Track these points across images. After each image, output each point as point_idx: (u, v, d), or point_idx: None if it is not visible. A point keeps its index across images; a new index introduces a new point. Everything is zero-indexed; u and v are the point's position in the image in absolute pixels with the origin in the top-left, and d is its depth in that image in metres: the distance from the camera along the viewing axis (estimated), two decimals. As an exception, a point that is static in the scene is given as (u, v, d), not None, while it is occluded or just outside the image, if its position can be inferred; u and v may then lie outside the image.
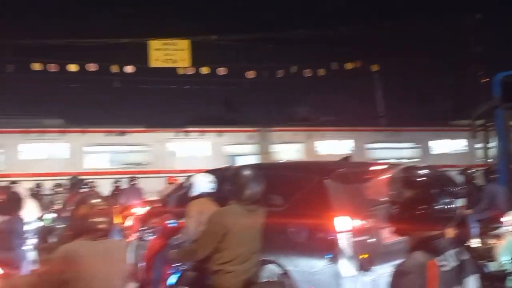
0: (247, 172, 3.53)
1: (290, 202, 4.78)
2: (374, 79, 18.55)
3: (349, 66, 14.20)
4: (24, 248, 5.60)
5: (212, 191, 5.04)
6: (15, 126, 13.71)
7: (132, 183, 11.21)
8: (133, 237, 7.93)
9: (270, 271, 4.44)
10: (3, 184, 9.51)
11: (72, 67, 11.91)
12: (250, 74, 12.97)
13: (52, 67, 11.64)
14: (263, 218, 3.55)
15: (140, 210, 9.47)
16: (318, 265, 4.22)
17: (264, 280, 3.87)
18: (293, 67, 13.03)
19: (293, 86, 16.30)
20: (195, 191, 5.05)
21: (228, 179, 3.70)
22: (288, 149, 16.33)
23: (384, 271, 3.78)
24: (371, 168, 5.41)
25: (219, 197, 5.45)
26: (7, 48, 11.35)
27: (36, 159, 13.95)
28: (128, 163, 14.69)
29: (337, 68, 13.97)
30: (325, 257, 4.18)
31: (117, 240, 3.27)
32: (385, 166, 5.43)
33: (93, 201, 2.88)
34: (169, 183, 11.17)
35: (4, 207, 5.32)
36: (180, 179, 10.47)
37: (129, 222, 9.32)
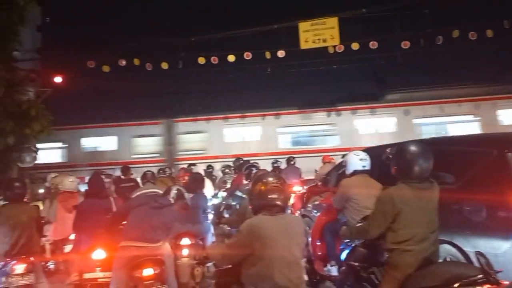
0: (414, 148, 3.33)
1: (464, 179, 4.43)
2: None
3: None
4: (208, 221, 6.38)
5: (365, 168, 4.99)
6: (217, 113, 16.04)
7: (290, 162, 11.67)
8: (296, 214, 8.33)
9: (446, 251, 4.23)
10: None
11: (231, 58, 12.82)
12: (406, 45, 12.15)
13: (215, 60, 12.72)
14: (437, 196, 3.37)
15: (300, 189, 9.87)
16: (503, 246, 3.85)
17: (442, 260, 3.69)
18: (455, 31, 11.73)
19: (455, 52, 14.67)
20: (349, 169, 5.08)
21: (391, 156, 3.60)
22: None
23: None
24: None
25: (379, 175, 5.38)
26: (178, 46, 12.85)
27: (236, 142, 16.06)
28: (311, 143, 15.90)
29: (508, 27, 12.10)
30: (512, 238, 3.80)
31: (293, 215, 3.48)
32: None
33: (270, 179, 3.11)
34: (325, 162, 11.36)
35: (190, 185, 6.13)
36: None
37: (290, 200, 9.82)
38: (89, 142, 16.84)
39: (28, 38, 13.75)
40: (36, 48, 17.42)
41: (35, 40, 19.04)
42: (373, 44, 12.44)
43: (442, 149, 4.79)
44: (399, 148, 3.51)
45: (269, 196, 3.01)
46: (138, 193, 5.80)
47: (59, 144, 16.09)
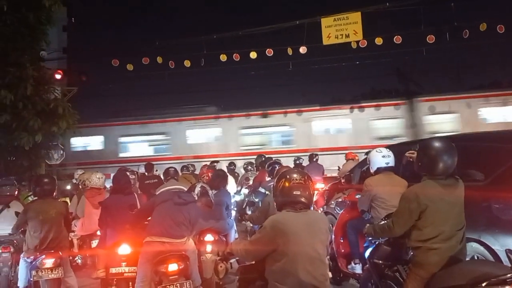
0: (438, 145, 3.27)
1: (493, 176, 4.32)
2: None
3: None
4: (231, 218, 6.41)
5: (389, 165, 4.92)
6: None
7: (313, 159, 11.60)
8: (319, 211, 8.29)
9: (473, 249, 4.14)
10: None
11: (252, 55, 12.84)
12: (431, 39, 11.90)
13: (237, 57, 12.77)
14: (463, 193, 3.30)
15: (323, 186, 9.81)
16: (534, 245, 3.74)
17: (469, 259, 3.61)
18: (483, 24, 11.40)
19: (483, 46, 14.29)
20: (372, 167, 5.02)
21: (417, 153, 3.52)
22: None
23: None
24: None
25: (404, 172, 5.29)
26: (200, 44, 12.96)
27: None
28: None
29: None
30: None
31: (317, 212, 3.44)
32: None
33: (294, 175, 3.08)
34: (348, 159, 11.24)
35: (213, 182, 6.17)
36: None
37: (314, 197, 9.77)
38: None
39: (54, 38, 14.08)
40: (62, 48, 17.86)
41: (61, 40, 19.54)
42: (397, 39, 12.25)
43: (471, 145, 4.68)
44: (424, 144, 3.45)
45: (293, 193, 2.98)
46: (162, 190, 5.87)
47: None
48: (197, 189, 4.72)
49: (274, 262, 2.87)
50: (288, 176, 3.07)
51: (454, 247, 3.14)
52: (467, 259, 3.48)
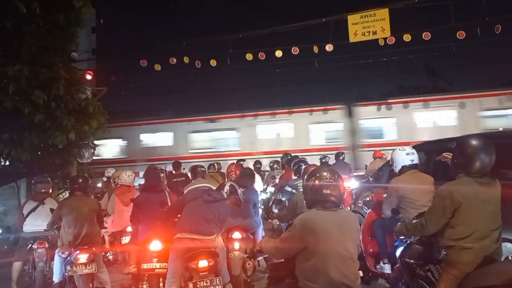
0: (476, 142, 3.23)
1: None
2: None
3: None
4: (258, 216, 6.44)
5: (413, 163, 4.83)
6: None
7: (340, 158, 11.51)
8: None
9: (508, 249, 4.05)
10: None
11: (278, 53, 12.83)
12: (461, 35, 11.59)
13: (262, 55, 12.80)
14: (499, 192, 3.22)
15: (351, 184, 9.72)
16: None
17: (504, 259, 3.53)
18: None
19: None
20: (397, 167, 4.93)
21: (454, 150, 3.46)
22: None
23: None
24: None
25: (434, 170, 5.19)
26: (227, 43, 13.05)
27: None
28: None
29: None
30: None
31: (348, 211, 3.42)
32: None
33: (324, 173, 3.06)
34: (375, 157, 11.11)
35: (241, 180, 6.21)
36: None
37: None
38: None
39: (84, 39, 14.43)
40: (91, 49, 18.28)
41: (90, 41, 19.98)
42: (426, 35, 12.00)
43: (508, 143, 4.55)
44: (460, 141, 3.39)
45: (324, 191, 2.97)
46: (190, 188, 5.95)
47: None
48: (226, 187, 4.77)
49: (305, 260, 2.88)
50: (318, 175, 3.06)
51: (488, 246, 3.08)
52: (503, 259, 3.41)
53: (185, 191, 5.62)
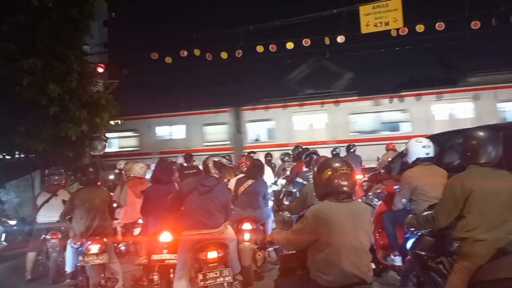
0: (483, 133, 3.24)
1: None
2: None
3: None
4: (268, 207, 6.43)
5: (429, 156, 4.76)
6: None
7: (351, 150, 11.43)
8: (358, 202, 8.17)
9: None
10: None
11: (289, 45, 12.75)
12: (476, 25, 11.36)
13: (273, 48, 12.73)
14: (510, 183, 3.17)
15: (361, 177, 9.66)
16: None
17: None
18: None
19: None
20: (411, 158, 4.87)
21: (460, 143, 3.43)
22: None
23: None
24: None
25: (447, 163, 5.11)
26: (238, 35, 12.99)
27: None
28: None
29: None
30: None
31: (363, 203, 3.35)
32: None
33: (337, 164, 2.99)
34: (388, 149, 11.01)
35: (250, 172, 6.20)
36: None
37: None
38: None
39: (96, 33, 14.51)
40: (103, 43, 18.38)
41: (102, 34, 20.09)
42: (440, 26, 11.79)
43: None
44: (468, 133, 3.39)
45: (337, 183, 2.91)
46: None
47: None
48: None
49: (317, 252, 2.84)
50: (332, 166, 2.98)
51: (502, 239, 3.02)
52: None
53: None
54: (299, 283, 3.01)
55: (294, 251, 3.23)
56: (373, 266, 4.03)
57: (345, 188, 2.92)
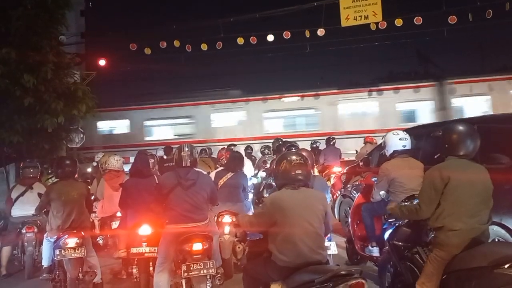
0: (462, 127, 3.36)
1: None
2: None
3: None
4: (248, 200, 6.44)
5: (405, 148, 4.86)
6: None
7: (330, 143, 11.53)
8: (337, 194, 8.28)
9: (495, 232, 4.09)
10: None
11: (269, 37, 12.73)
12: (453, 20, 11.55)
13: (254, 40, 12.69)
14: (487, 176, 3.28)
15: (340, 169, 9.76)
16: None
17: (490, 241, 3.57)
18: (507, 3, 10.99)
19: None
20: (388, 150, 4.96)
21: (438, 136, 3.52)
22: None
23: None
24: None
25: (424, 155, 5.21)
26: (217, 27, 12.89)
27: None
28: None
29: None
30: None
31: (317, 191, 3.59)
32: None
33: (293, 157, 3.34)
34: (366, 142, 11.15)
35: (230, 164, 6.19)
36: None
37: (331, 181, 9.75)
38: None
39: (73, 22, 14.18)
40: (80, 33, 17.97)
41: (79, 24, 19.64)
42: (418, 20, 11.96)
43: (493, 127, 4.59)
44: (448, 126, 3.48)
45: (293, 173, 3.25)
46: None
47: None
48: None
49: (276, 235, 3.17)
50: (287, 158, 3.35)
51: (476, 229, 3.13)
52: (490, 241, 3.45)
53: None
54: (263, 264, 3.31)
55: (261, 237, 3.52)
56: (335, 248, 4.36)
57: (300, 177, 3.28)
